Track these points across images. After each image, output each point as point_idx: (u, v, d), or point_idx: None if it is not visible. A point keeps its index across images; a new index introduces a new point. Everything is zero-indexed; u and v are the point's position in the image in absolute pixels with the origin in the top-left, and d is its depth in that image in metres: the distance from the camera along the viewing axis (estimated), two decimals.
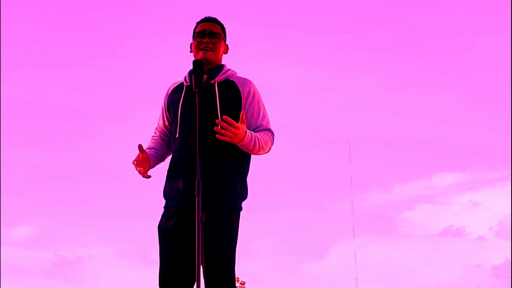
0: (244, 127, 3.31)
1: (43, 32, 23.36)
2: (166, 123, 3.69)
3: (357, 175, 24.69)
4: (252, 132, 3.40)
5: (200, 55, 3.54)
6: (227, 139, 3.27)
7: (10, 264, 20.05)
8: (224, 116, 3.25)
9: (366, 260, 23.57)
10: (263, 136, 3.46)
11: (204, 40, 3.56)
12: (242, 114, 3.30)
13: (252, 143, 3.37)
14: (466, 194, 29.53)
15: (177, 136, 3.53)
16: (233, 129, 3.25)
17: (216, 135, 3.27)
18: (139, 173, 3.52)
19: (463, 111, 26.47)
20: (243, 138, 3.31)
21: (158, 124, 3.76)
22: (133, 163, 3.51)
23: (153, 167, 3.61)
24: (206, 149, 3.35)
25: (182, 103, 3.54)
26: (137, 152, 3.48)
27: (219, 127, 3.26)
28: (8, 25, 22.21)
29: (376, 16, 25.22)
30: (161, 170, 3.65)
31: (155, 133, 3.76)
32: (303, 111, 26.50)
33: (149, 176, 3.55)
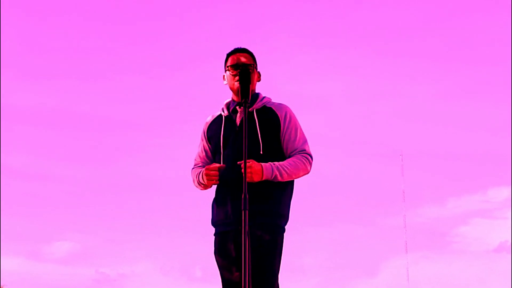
0: (255, 162, 3.48)
1: (91, 42, 23.47)
2: (209, 154, 3.88)
3: (409, 188, 24.15)
4: (274, 163, 3.56)
5: (237, 86, 3.67)
6: (248, 179, 3.41)
7: (49, 281, 19.93)
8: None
9: (419, 276, 22.98)
10: (291, 162, 3.62)
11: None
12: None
13: (279, 175, 3.55)
14: None
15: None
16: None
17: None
18: (210, 177, 3.62)
19: None
20: (262, 173, 3.50)
21: (198, 155, 3.96)
22: (209, 171, 3.62)
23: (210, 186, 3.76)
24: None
25: (223, 133, 3.73)
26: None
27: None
28: (55, 35, 22.36)
29: (432, 25, 24.62)
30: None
31: (197, 163, 3.93)
32: (355, 123, 26.08)
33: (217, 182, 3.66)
